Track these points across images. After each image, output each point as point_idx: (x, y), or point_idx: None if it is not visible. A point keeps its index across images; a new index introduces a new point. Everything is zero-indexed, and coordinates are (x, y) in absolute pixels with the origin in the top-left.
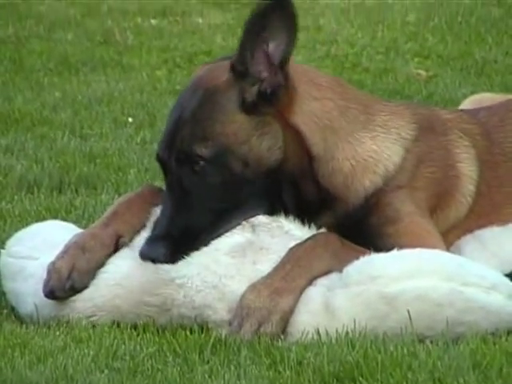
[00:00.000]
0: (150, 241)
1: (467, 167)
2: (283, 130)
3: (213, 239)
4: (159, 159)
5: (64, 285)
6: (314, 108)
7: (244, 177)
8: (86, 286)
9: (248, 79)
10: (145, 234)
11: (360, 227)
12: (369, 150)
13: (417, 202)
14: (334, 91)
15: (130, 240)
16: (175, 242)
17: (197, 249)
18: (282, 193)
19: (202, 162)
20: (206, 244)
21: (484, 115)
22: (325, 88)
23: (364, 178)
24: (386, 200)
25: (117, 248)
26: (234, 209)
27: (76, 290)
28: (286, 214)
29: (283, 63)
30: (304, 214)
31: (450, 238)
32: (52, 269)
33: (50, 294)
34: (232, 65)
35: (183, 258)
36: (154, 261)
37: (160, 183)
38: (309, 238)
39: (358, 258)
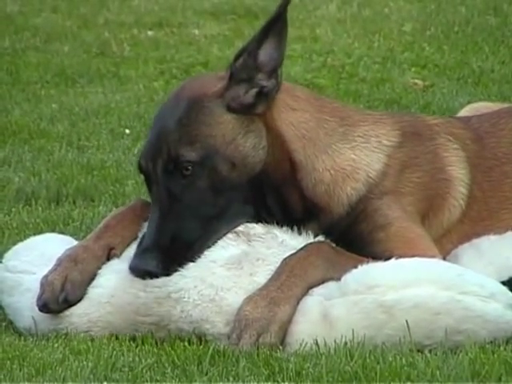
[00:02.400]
0: (140, 253)
1: (457, 170)
2: (266, 130)
3: (203, 249)
4: (143, 171)
5: (57, 297)
6: (290, 117)
7: (230, 180)
8: (79, 299)
9: (245, 85)
10: (135, 246)
11: (349, 235)
12: (347, 159)
13: (405, 206)
14: (310, 104)
15: (122, 252)
16: (165, 252)
17: (188, 259)
18: (267, 201)
19: (190, 166)
20: (197, 255)
21: (475, 121)
22: (302, 100)
23: (346, 185)
24: (373, 206)
25: (108, 260)
26: (220, 216)
27: (70, 302)
28: (273, 221)
29: (277, 68)
30: (291, 223)
31: (444, 242)
32: (45, 282)
33: (44, 307)
34: (231, 72)
35: (176, 269)
36: (146, 274)
37: None
38: (302, 248)
39: (353, 265)
